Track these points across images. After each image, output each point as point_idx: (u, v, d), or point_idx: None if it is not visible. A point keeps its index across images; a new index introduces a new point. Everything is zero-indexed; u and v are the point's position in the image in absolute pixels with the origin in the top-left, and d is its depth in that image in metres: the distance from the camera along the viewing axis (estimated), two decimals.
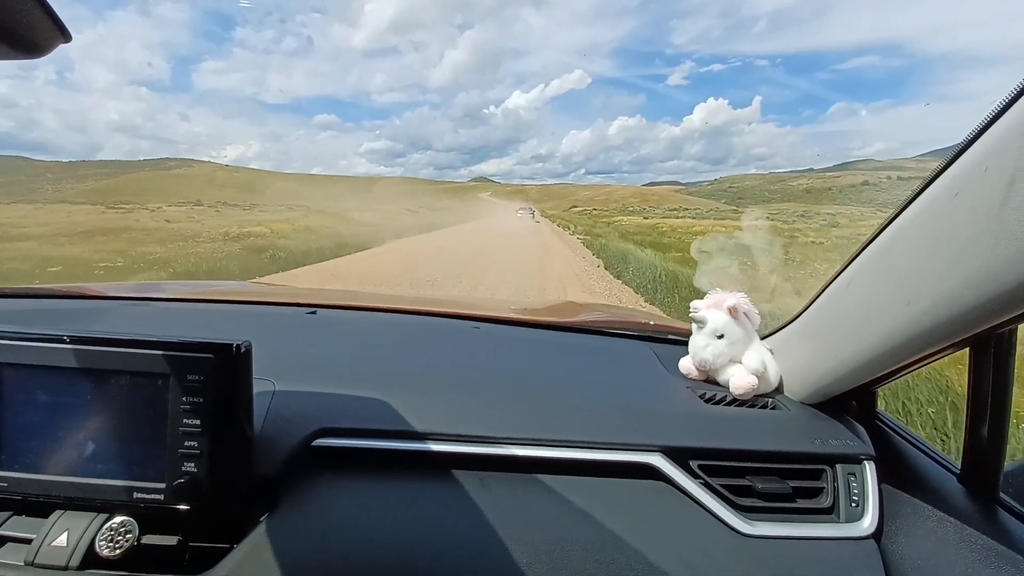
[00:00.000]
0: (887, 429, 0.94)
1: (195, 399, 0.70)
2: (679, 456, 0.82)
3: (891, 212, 0.68)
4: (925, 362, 0.72)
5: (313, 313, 1.32)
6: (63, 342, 0.70)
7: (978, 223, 0.52)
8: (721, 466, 0.82)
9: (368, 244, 19.12)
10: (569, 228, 41.89)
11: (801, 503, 0.81)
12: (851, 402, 0.95)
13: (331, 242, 18.57)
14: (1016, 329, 0.71)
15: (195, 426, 0.70)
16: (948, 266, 0.57)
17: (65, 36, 0.40)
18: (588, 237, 26.98)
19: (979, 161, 0.53)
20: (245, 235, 22.22)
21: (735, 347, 0.98)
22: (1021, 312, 0.53)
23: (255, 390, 0.76)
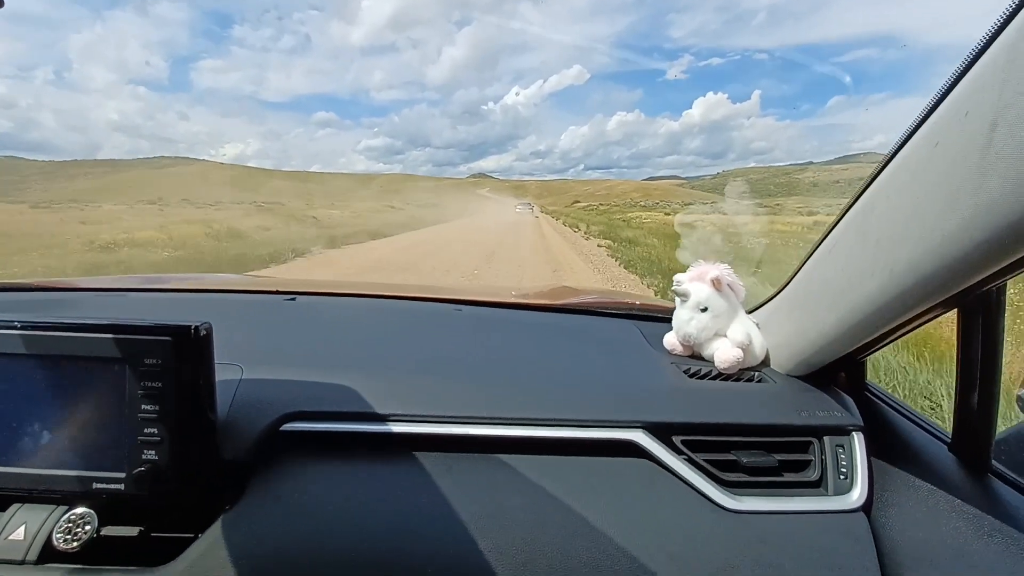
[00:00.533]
0: (877, 400, 0.92)
1: (154, 384, 0.67)
2: (662, 432, 0.80)
3: (871, 172, 0.65)
4: (910, 326, 0.70)
5: (292, 300, 1.29)
6: (14, 328, 0.67)
7: (961, 171, 0.49)
8: (705, 441, 0.80)
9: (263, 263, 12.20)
10: (579, 228, 29.45)
11: (788, 477, 0.78)
12: (839, 373, 0.93)
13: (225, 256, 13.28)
14: (1005, 290, 0.68)
15: (155, 412, 0.67)
16: (930, 222, 0.54)
17: None
18: (612, 243, 18.10)
19: (959, 107, 0.50)
20: (119, 244, 15.94)
21: (719, 320, 0.95)
22: (1007, 264, 0.49)
23: (222, 376, 0.74)
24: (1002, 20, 0.46)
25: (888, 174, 0.62)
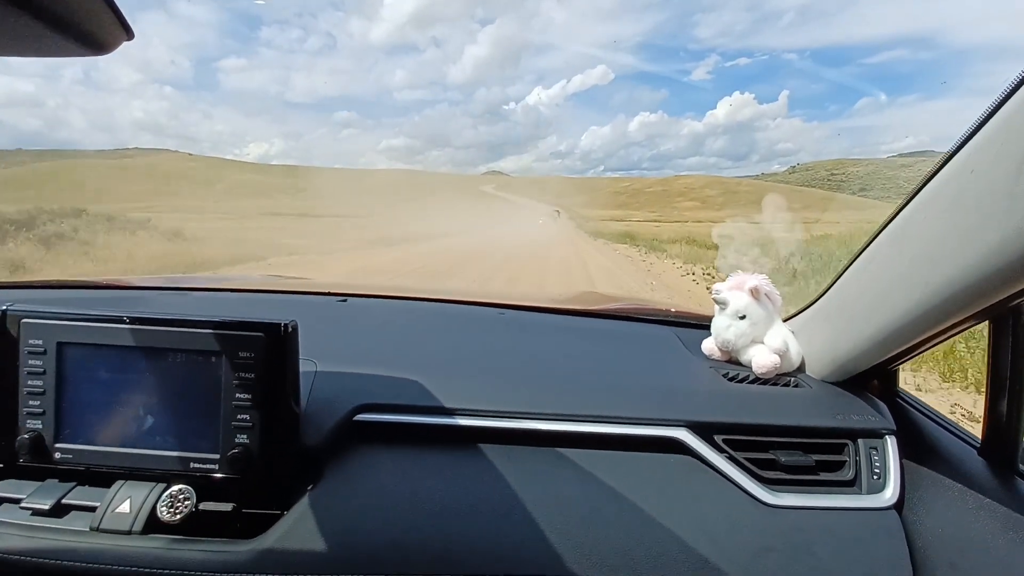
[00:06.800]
0: (908, 406, 0.97)
1: (246, 375, 0.74)
2: (704, 431, 0.85)
3: (909, 191, 0.70)
4: (942, 338, 0.75)
5: (344, 301, 1.37)
6: (123, 322, 0.75)
7: (992, 200, 0.55)
8: (745, 440, 0.85)
9: None
10: None
11: (824, 476, 0.83)
12: (872, 380, 0.97)
13: None
14: None
15: (247, 400, 0.74)
16: (964, 241, 0.59)
17: (128, 34, 0.41)
18: None
19: (992, 140, 0.56)
20: None
21: (757, 327, 1.00)
22: None
23: (301, 370, 0.80)
24: None
25: (925, 196, 0.67)
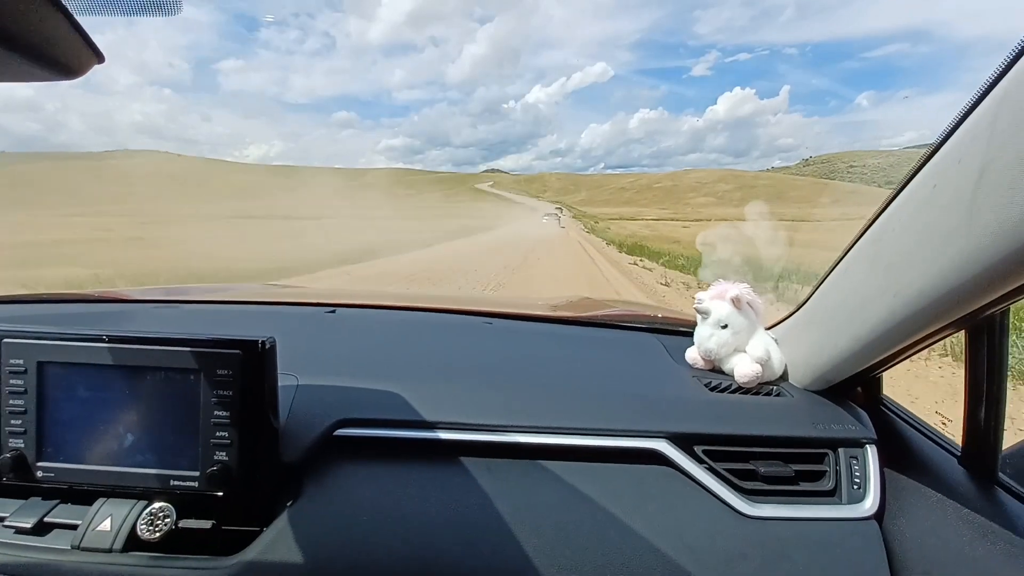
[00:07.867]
0: (891, 414, 0.97)
1: (225, 392, 0.75)
2: (684, 442, 0.85)
3: (883, 201, 0.71)
4: (921, 346, 0.75)
5: (332, 312, 1.37)
6: (102, 341, 0.76)
7: (955, 212, 0.55)
8: (725, 451, 0.85)
9: None
10: None
11: (804, 486, 0.83)
12: (855, 388, 0.97)
13: None
14: (1008, 313, 0.73)
15: (225, 418, 0.75)
16: (930, 253, 0.60)
17: (99, 58, 0.41)
18: None
19: (954, 153, 0.57)
20: None
21: (739, 336, 1.00)
22: (999, 295, 0.55)
23: (280, 384, 0.81)
24: (990, 82, 0.51)
25: (894, 208, 0.68)
